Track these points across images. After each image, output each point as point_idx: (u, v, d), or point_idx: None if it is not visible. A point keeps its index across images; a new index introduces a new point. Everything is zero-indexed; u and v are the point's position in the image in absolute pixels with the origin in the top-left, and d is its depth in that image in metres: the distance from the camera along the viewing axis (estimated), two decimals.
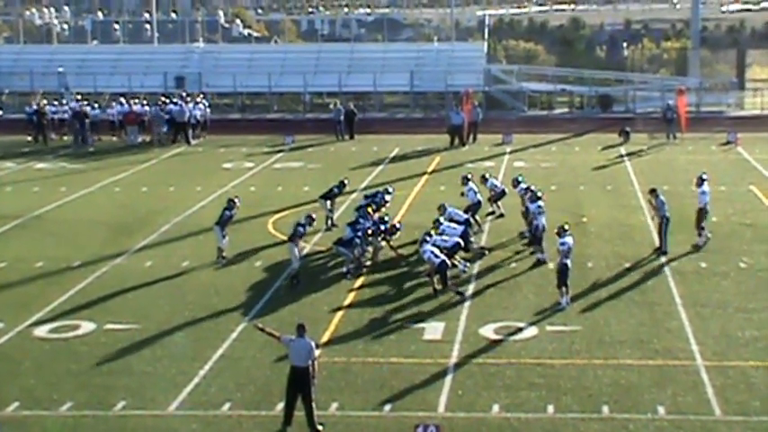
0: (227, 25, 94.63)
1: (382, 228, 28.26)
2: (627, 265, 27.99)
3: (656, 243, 29.35)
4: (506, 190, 33.15)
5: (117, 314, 24.52)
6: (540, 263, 27.98)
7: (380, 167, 43.44)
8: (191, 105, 51.95)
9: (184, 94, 54.62)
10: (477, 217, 31.64)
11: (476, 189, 31.91)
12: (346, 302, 25.22)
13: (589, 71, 63.53)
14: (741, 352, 21.59)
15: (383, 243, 28.38)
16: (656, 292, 25.75)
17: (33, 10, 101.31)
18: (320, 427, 18.09)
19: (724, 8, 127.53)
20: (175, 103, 51.60)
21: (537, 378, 20.31)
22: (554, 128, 53.61)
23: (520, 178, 32.12)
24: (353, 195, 36.15)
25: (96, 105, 53.12)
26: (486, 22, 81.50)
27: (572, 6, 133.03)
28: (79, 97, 54.72)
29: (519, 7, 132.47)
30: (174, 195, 38.29)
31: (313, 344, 18.34)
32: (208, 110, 53.55)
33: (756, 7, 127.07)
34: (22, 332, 23.49)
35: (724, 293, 25.55)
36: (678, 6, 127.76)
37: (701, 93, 59.58)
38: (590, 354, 21.60)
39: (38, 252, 30.21)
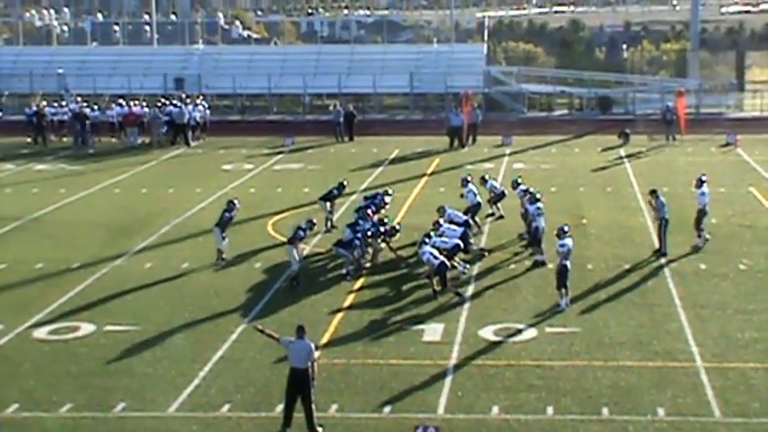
0: (226, 27, 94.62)
1: (382, 229, 28.26)
2: (626, 266, 27.99)
3: (656, 245, 29.35)
4: (506, 191, 33.16)
5: (117, 316, 24.52)
6: (537, 264, 27.98)
7: (380, 169, 43.45)
8: (190, 107, 51.96)
9: (184, 96, 54.67)
10: (477, 218, 31.65)
11: (475, 191, 31.92)
12: (346, 304, 25.22)
13: (589, 73, 63.60)
14: (741, 353, 21.59)
15: (383, 245, 28.39)
16: (655, 293, 25.75)
17: (33, 11, 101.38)
18: (320, 429, 18.09)
19: (723, 10, 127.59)
20: (175, 105, 51.60)
21: (536, 380, 20.31)
22: (554, 129, 53.62)
23: (519, 180, 32.14)
24: (353, 197, 36.15)
25: (96, 107, 53.13)
26: (486, 23, 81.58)
27: (571, 8, 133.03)
28: (79, 99, 54.73)
29: (518, 9, 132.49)
30: (174, 197, 38.29)
31: (312, 345, 18.33)
32: (207, 111, 53.58)
33: (756, 9, 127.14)
34: (21, 334, 23.48)
35: (723, 295, 25.55)
36: (678, 8, 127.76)
37: (701, 94, 59.59)
38: (589, 355, 21.60)
39: (37, 254, 30.21)
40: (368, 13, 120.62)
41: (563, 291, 24.59)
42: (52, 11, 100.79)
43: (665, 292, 25.77)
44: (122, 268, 28.73)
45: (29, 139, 51.96)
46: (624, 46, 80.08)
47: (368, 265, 28.05)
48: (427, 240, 26.18)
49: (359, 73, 61.83)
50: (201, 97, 55.42)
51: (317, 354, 18.75)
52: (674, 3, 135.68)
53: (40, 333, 23.47)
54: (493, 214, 33.45)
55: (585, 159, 44.99)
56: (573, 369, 20.85)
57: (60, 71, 61.43)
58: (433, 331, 23.16)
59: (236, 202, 29.61)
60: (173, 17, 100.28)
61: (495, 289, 26.27)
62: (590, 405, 19.10)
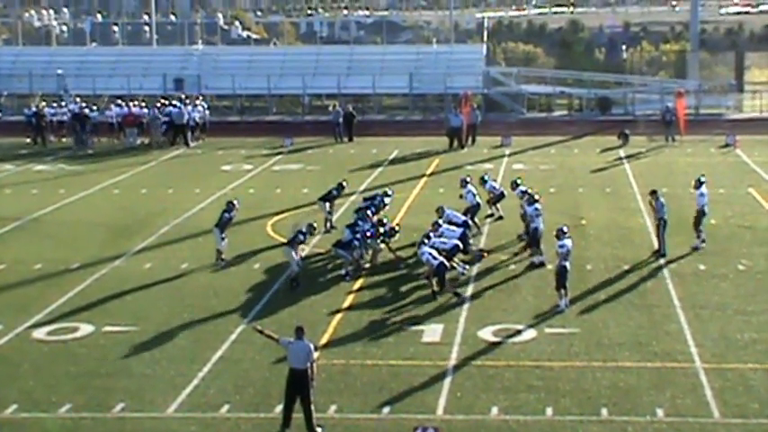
0: (226, 27, 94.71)
1: (381, 230, 28.25)
2: (626, 267, 27.99)
3: (655, 245, 29.36)
4: (505, 192, 33.16)
5: (116, 316, 24.52)
6: (535, 265, 27.98)
7: (379, 169, 43.45)
8: (189, 107, 51.95)
9: (183, 97, 54.65)
10: (477, 219, 31.65)
11: (474, 191, 31.92)
12: (345, 305, 25.22)
13: (588, 73, 63.68)
14: (740, 354, 21.59)
15: (382, 245, 28.38)
16: (654, 294, 25.75)
17: (32, 12, 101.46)
18: (319, 430, 18.08)
19: (723, 11, 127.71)
20: (174, 106, 51.59)
21: (536, 380, 20.31)
22: (553, 130, 53.62)
23: (519, 180, 32.14)
24: (352, 197, 36.15)
25: (95, 108, 53.12)
26: (486, 24, 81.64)
27: (571, 9, 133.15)
28: (78, 99, 54.72)
29: (518, 9, 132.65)
30: (173, 197, 38.29)
31: (312, 346, 18.33)
32: (207, 112, 53.57)
33: (755, 10, 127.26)
34: (20, 334, 23.48)
35: (723, 296, 25.55)
36: (677, 9, 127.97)
37: (700, 95, 59.61)
38: (589, 356, 21.59)
39: (36, 254, 30.20)
40: (367, 13, 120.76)
41: (562, 291, 24.59)
42: (51, 11, 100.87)
43: (665, 293, 25.77)
44: (122, 269, 28.72)
45: (28, 140, 51.96)
46: (624, 47, 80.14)
47: (367, 265, 28.05)
48: (426, 241, 26.18)
49: (358, 73, 61.83)
50: (201, 98, 55.42)
51: (316, 354, 18.75)
52: (674, 3, 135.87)
53: (40, 333, 23.46)
54: (492, 215, 33.46)
55: (585, 160, 45.00)
56: (572, 370, 20.85)
57: (59, 72, 61.43)
58: (432, 332, 23.16)
59: (235, 202, 29.60)
60: (172, 18, 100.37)
61: (495, 290, 26.27)
62: (589, 406, 19.10)
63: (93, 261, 29.36)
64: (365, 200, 31.88)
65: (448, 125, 49.67)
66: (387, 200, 31.38)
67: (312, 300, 25.61)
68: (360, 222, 28.65)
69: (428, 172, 42.73)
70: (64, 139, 52.21)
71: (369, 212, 29.50)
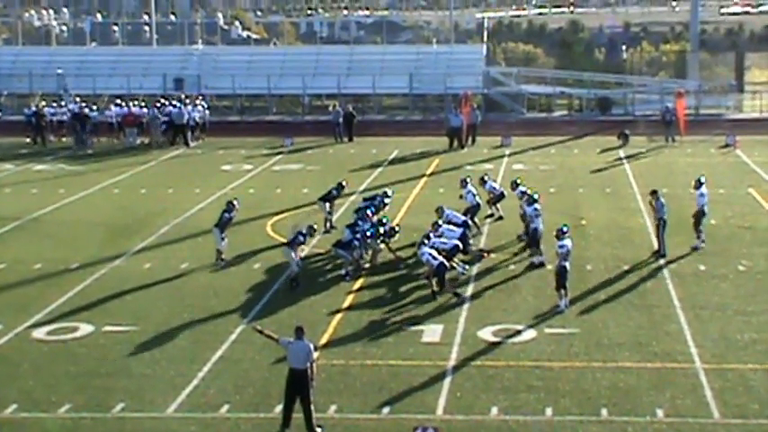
0: (226, 27, 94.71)
1: (381, 230, 28.25)
2: (625, 267, 27.98)
3: (655, 246, 29.35)
4: (505, 192, 33.15)
5: (116, 316, 24.51)
6: (534, 265, 27.98)
7: (379, 170, 43.45)
8: (189, 107, 51.95)
9: (183, 96, 54.65)
10: (476, 219, 31.64)
11: (474, 191, 31.92)
12: (345, 305, 25.21)
13: (588, 74, 63.67)
14: (740, 355, 21.59)
15: (382, 245, 28.38)
16: (654, 294, 25.75)
17: (32, 11, 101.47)
18: (319, 430, 18.08)
19: (723, 11, 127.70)
20: (174, 106, 51.59)
21: (535, 381, 20.30)
22: (553, 130, 53.63)
23: (518, 181, 32.13)
24: (352, 197, 36.15)
25: (94, 107, 53.11)
26: (486, 24, 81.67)
27: (571, 9, 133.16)
28: (78, 99, 54.72)
29: (518, 10, 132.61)
30: (173, 197, 38.29)
31: (311, 346, 18.32)
32: (207, 112, 53.57)
33: (755, 10, 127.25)
34: (20, 334, 23.47)
35: (723, 296, 25.54)
36: (677, 9, 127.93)
37: (700, 95, 59.61)
38: (589, 356, 21.59)
39: (36, 254, 30.20)
40: (367, 13, 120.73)
41: (562, 292, 24.58)
42: (51, 11, 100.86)
43: (665, 294, 25.77)
44: (121, 269, 28.72)
45: (28, 140, 51.96)
46: (624, 47, 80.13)
47: (367, 265, 28.04)
48: (426, 241, 26.18)
49: (358, 73, 61.83)
50: (201, 98, 55.42)
51: (315, 354, 18.74)
52: (674, 4, 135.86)
53: (39, 333, 23.46)
54: (492, 215, 33.46)
55: (585, 160, 45.00)
56: (572, 370, 20.84)
57: (59, 71, 61.41)
58: (432, 332, 23.15)
59: (235, 202, 29.60)
60: (172, 17, 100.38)
61: (495, 290, 26.27)
62: (589, 406, 19.09)
63: (92, 261, 29.36)
64: (365, 200, 31.89)
65: (448, 125, 49.66)
66: (387, 201, 31.38)
67: (312, 300, 25.61)
68: (360, 222, 28.65)
69: (428, 172, 42.73)
70: (64, 139, 52.22)
71: (369, 213, 29.51)
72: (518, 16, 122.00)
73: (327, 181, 36.87)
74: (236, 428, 18.48)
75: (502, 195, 33.23)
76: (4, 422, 18.77)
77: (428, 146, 49.17)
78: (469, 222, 30.07)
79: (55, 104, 53.84)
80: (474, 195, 31.74)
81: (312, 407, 18.06)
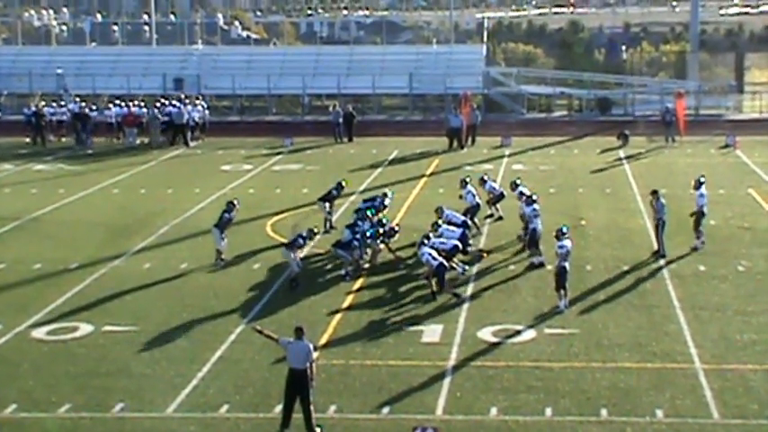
0: (225, 27, 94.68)
1: (381, 230, 28.25)
2: (625, 268, 27.98)
3: (655, 246, 29.35)
4: (505, 193, 33.15)
5: (115, 316, 24.51)
6: (534, 266, 27.97)
7: (379, 170, 43.45)
8: (189, 107, 51.95)
9: (183, 96, 54.65)
10: (476, 219, 31.64)
11: (474, 192, 31.92)
12: (345, 305, 25.21)
13: (588, 74, 63.67)
14: (739, 355, 21.59)
15: (381, 246, 28.38)
16: (654, 295, 25.75)
17: (32, 11, 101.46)
18: (318, 430, 18.08)
19: (723, 11, 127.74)
20: (174, 105, 51.59)
21: (535, 381, 20.30)
22: (553, 131, 53.63)
23: (518, 181, 32.14)
24: (352, 198, 36.15)
25: (94, 107, 53.12)
26: (485, 24, 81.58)
27: (571, 9, 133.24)
28: (77, 99, 54.72)
29: (518, 10, 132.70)
30: (173, 197, 38.28)
31: (311, 346, 18.32)
32: (206, 112, 53.58)
33: (755, 11, 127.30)
34: (20, 334, 23.47)
35: (722, 296, 25.54)
36: (677, 9, 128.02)
37: (700, 96, 59.61)
38: (588, 357, 21.59)
39: (36, 254, 30.19)
40: (367, 13, 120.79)
41: (562, 292, 24.59)
42: (51, 11, 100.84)
43: (664, 294, 25.77)
44: (121, 269, 28.72)
45: (28, 140, 51.95)
46: (623, 47, 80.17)
47: (367, 265, 28.04)
48: (426, 241, 26.18)
49: (358, 74, 61.83)
50: (200, 98, 55.44)
51: (315, 354, 18.75)
52: (674, 4, 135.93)
53: (39, 333, 23.45)
54: (492, 215, 33.46)
55: (585, 160, 45.00)
56: (572, 370, 20.84)
57: (59, 71, 61.44)
58: (431, 332, 23.15)
59: (235, 202, 29.59)
60: (172, 17, 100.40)
61: (494, 290, 26.27)
62: (589, 406, 19.10)
63: (92, 261, 29.35)
64: (365, 200, 31.90)
65: (448, 125, 49.66)
66: (387, 201, 31.38)
67: (312, 300, 25.61)
68: (359, 223, 28.66)
69: (428, 172, 42.73)
70: (63, 139, 52.23)
71: (368, 213, 29.51)
72: (518, 16, 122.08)
73: (327, 181, 36.86)
74: (235, 428, 18.49)
75: (501, 196, 33.23)
76: (4, 422, 18.77)
77: (428, 146, 49.17)
78: (469, 222, 30.07)
79: (54, 104, 53.83)
80: (474, 196, 31.74)
81: (312, 407, 18.05)
